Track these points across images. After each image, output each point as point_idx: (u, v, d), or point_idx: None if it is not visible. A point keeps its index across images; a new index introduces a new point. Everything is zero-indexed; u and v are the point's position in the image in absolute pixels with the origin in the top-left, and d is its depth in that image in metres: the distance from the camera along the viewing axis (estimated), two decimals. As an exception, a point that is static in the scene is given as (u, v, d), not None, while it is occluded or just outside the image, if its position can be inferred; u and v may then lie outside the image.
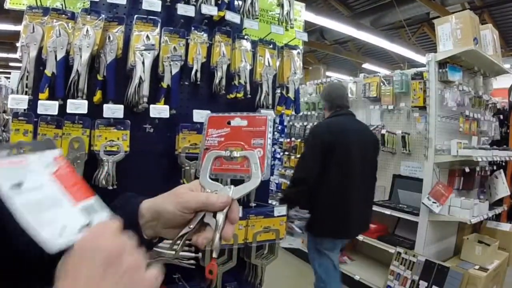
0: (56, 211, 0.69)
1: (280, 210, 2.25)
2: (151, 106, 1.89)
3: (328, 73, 15.81)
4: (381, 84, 5.30)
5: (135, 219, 0.88)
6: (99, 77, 1.84)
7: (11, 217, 0.87)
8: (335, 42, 13.35)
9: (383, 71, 10.07)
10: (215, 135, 0.91)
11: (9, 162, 0.69)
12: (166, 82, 1.96)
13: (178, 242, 0.81)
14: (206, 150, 0.90)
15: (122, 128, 1.87)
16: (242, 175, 0.86)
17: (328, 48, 13.30)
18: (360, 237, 5.00)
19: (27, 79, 1.75)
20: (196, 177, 0.91)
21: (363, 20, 9.92)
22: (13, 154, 0.70)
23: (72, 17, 1.83)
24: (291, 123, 7.18)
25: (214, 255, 0.81)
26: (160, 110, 1.91)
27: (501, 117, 5.54)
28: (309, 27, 11.13)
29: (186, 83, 2.11)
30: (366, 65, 14.27)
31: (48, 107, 1.70)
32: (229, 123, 0.91)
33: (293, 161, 6.84)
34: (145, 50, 1.87)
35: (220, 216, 0.80)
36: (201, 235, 0.81)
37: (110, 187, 1.82)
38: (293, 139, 7.02)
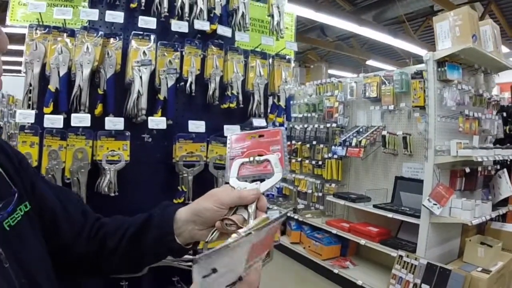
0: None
1: (273, 214, 2.48)
2: (149, 118, 2.13)
3: (330, 71, 15.89)
4: (382, 83, 5.47)
5: (170, 226, 1.07)
6: (100, 91, 2.09)
7: (62, 210, 1.10)
8: (337, 39, 13.35)
9: (388, 68, 10.14)
10: (238, 148, 1.13)
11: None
12: (162, 94, 2.20)
13: (214, 233, 1.00)
14: (232, 160, 1.13)
15: (122, 139, 2.11)
16: (265, 174, 1.08)
17: (330, 45, 13.33)
18: (363, 241, 5.20)
19: (30, 93, 1.99)
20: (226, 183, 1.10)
21: (365, 15, 10.01)
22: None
23: (72, 34, 2.07)
24: (291, 125, 7.30)
25: None
26: (157, 122, 2.15)
27: (505, 114, 5.63)
28: (310, 24, 11.32)
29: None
30: (370, 62, 14.26)
31: (54, 120, 1.94)
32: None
33: (294, 165, 7.01)
34: (142, 65, 2.12)
35: (252, 206, 1.00)
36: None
37: (112, 194, 2.06)
38: (293, 142, 7.15)
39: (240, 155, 1.12)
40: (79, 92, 2.02)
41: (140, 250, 1.12)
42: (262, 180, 1.07)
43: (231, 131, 2.32)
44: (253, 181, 1.08)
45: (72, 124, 1.98)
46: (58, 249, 1.08)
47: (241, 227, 0.94)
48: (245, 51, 2.52)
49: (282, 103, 2.59)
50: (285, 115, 2.61)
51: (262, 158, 1.10)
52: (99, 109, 2.09)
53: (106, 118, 2.07)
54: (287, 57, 2.66)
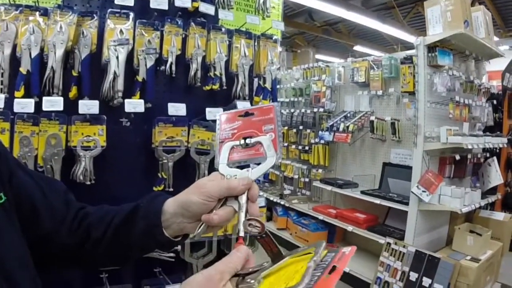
0: None
1: (259, 201, 2.40)
2: (126, 100, 2.02)
3: (317, 56, 15.94)
4: (370, 68, 5.43)
5: (158, 218, 1.03)
6: (74, 73, 1.96)
7: (42, 200, 1.07)
8: (324, 24, 13.36)
9: (376, 54, 10.16)
10: (228, 129, 1.07)
11: None
12: (141, 75, 2.09)
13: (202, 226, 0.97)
14: (221, 143, 1.06)
15: (98, 124, 2.00)
16: (258, 158, 1.01)
17: (317, 30, 13.35)
18: (350, 228, 5.19)
19: (2, 77, 1.86)
20: (214, 169, 1.05)
21: (354, 0, 10.00)
22: None
23: (45, 13, 1.94)
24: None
25: (241, 234, 0.89)
26: (135, 105, 2.04)
27: (495, 102, 5.64)
28: (297, 8, 11.23)
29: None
30: (357, 47, 14.38)
31: (24, 105, 1.82)
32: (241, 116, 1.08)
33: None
34: (119, 45, 2.00)
35: (243, 197, 0.95)
36: (215, 213, 0.95)
37: (88, 182, 1.95)
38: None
39: (231, 137, 1.06)
40: (52, 74, 1.90)
41: (126, 243, 1.08)
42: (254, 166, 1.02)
43: (214, 114, 2.23)
44: (244, 167, 1.02)
45: (44, 108, 1.87)
46: (39, 240, 1.03)
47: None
48: (229, 30, 2.41)
49: (268, 85, 2.49)
50: (271, 98, 2.51)
51: (253, 140, 1.03)
52: (73, 92, 1.97)
53: (80, 101, 1.95)
54: (273, 37, 2.55)
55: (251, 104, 2.45)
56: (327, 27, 13.61)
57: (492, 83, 5.76)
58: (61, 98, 1.89)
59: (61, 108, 1.89)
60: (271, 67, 2.49)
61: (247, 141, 1.03)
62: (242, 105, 2.32)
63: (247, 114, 1.09)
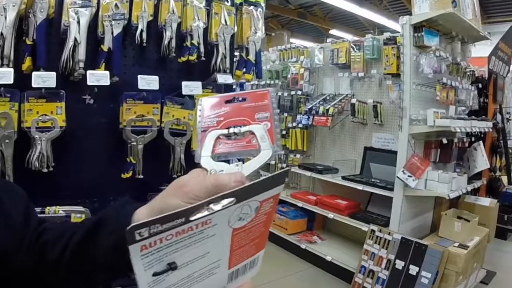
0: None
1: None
2: (89, 72, 1.80)
3: (292, 40, 15.92)
4: (351, 50, 5.28)
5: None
6: (28, 41, 1.75)
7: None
8: (299, 7, 13.36)
9: (352, 38, 10.13)
10: (212, 115, 0.89)
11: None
12: (106, 44, 1.87)
13: None
14: (204, 132, 0.87)
15: (56, 100, 1.78)
16: (250, 151, 0.83)
17: (292, 13, 13.42)
18: (331, 215, 5.05)
19: None
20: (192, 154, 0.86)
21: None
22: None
23: None
24: (253, 92, 7.09)
25: None
26: (99, 77, 1.81)
27: (480, 86, 5.59)
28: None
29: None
30: (333, 31, 14.47)
31: (-34, 78, 1.59)
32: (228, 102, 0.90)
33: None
34: (80, 7, 1.77)
35: None
36: None
37: (45, 170, 1.75)
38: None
39: (216, 126, 0.87)
40: (1, 42, 1.65)
41: (90, 263, 0.89)
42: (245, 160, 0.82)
43: (191, 89, 2.02)
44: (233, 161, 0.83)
45: (-9, 82, 1.63)
46: None
47: None
48: None
49: (252, 57, 2.31)
50: (255, 72, 2.29)
51: (244, 129, 0.85)
52: (27, 63, 1.74)
53: (34, 73, 1.71)
54: (258, 4, 2.34)
55: (232, 78, 2.27)
56: (302, 10, 13.59)
57: (474, 67, 5.74)
58: (11, 70, 1.66)
59: (11, 81, 1.65)
60: (254, 37, 2.30)
61: (236, 130, 0.85)
62: (223, 79, 2.14)
63: (236, 100, 0.91)
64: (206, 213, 0.60)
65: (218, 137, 0.85)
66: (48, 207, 1.77)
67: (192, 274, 0.65)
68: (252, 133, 0.84)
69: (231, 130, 0.85)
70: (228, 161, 0.83)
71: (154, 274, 0.59)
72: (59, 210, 1.77)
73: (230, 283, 0.74)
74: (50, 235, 0.96)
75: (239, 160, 0.83)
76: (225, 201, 0.62)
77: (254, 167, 0.79)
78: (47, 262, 0.92)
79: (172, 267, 0.60)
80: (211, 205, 0.61)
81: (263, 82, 6.80)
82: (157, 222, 0.56)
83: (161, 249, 0.58)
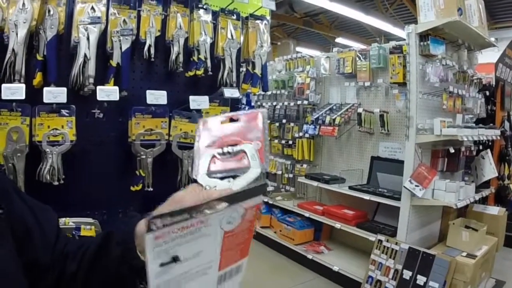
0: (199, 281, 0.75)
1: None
2: (99, 87, 1.83)
3: (298, 49, 15.90)
4: (357, 59, 5.29)
5: (131, 241, 0.94)
6: (39, 57, 1.78)
7: (35, 225, 1.03)
8: (305, 15, 13.33)
9: (358, 46, 10.13)
10: (208, 135, 0.98)
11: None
12: (115, 60, 1.91)
13: None
14: (201, 151, 0.96)
15: (66, 115, 1.81)
16: (241, 169, 0.91)
17: (298, 21, 13.33)
18: (338, 225, 5.05)
19: None
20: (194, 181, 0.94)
21: (337, -10, 9.88)
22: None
23: None
24: (259, 103, 7.15)
25: None
26: (108, 92, 1.85)
27: (487, 93, 5.56)
28: (277, -1, 11.09)
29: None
30: (339, 40, 14.38)
31: (-21, 94, 1.62)
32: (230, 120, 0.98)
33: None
34: (89, 24, 1.81)
35: None
36: None
37: (56, 183, 1.78)
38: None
39: (211, 145, 0.97)
40: (13, 58, 1.69)
41: (104, 274, 1.00)
42: (236, 177, 0.92)
43: (198, 103, 2.05)
44: (225, 178, 0.93)
45: (3, 97, 1.65)
46: (30, 267, 0.98)
47: None
48: (214, 11, 2.25)
49: (258, 70, 2.34)
50: (261, 85, 2.33)
51: (236, 148, 0.94)
52: (38, 78, 1.77)
53: (45, 89, 1.75)
54: (263, 18, 2.37)
55: (239, 92, 2.30)
56: (308, 18, 13.57)
57: (480, 74, 5.71)
58: (23, 85, 1.69)
59: (22, 96, 1.68)
60: (260, 51, 2.33)
61: (230, 149, 0.94)
62: (230, 93, 2.17)
63: (231, 120, 1.00)
64: (206, 211, 0.68)
65: (213, 156, 0.93)
66: (58, 219, 1.79)
67: (189, 270, 0.71)
68: (244, 151, 0.91)
69: (225, 149, 0.93)
70: (222, 178, 0.90)
71: (161, 265, 0.66)
72: (69, 222, 1.80)
73: (219, 285, 0.80)
74: (72, 247, 1.06)
75: (231, 177, 0.90)
76: (220, 206, 0.70)
77: (243, 184, 0.87)
78: (67, 275, 1.01)
79: (175, 260, 0.68)
80: (209, 206, 0.70)
81: (269, 93, 6.85)
82: (167, 215, 0.65)
83: (167, 242, 0.66)
